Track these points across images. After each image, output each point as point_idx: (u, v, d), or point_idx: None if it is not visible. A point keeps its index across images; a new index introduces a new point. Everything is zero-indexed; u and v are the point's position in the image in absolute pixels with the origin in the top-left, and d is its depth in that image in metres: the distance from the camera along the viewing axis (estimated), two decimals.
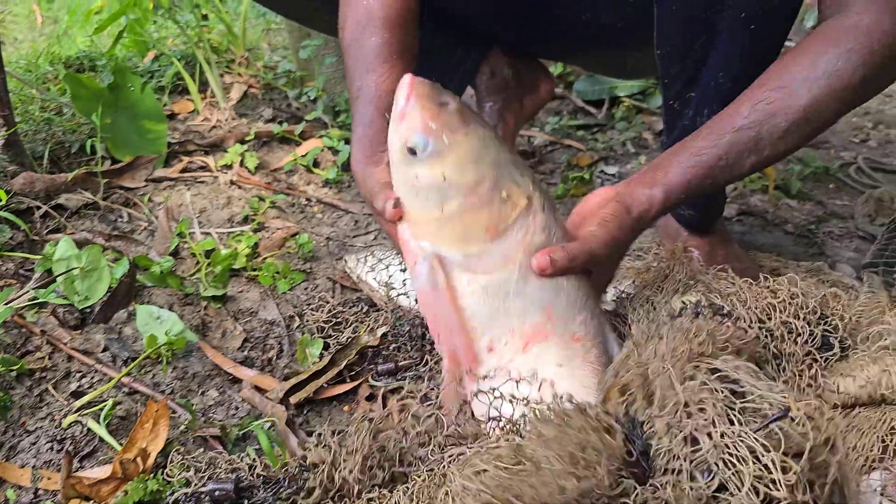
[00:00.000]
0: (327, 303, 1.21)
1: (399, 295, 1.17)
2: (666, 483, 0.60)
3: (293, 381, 1.03)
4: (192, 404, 1.00)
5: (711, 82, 1.12)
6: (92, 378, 1.05)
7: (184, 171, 1.59)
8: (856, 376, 0.84)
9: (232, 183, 1.56)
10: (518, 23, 1.41)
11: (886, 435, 0.80)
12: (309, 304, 1.23)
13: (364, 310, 1.19)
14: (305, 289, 1.28)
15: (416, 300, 1.15)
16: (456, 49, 1.51)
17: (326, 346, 1.12)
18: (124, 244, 1.33)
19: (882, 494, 0.75)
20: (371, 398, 1.04)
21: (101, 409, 0.96)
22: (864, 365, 0.85)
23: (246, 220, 1.45)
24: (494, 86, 1.57)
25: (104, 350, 1.10)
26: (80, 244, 1.23)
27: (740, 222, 1.55)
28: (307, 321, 1.18)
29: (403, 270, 1.18)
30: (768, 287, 0.94)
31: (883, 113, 2.17)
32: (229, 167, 1.62)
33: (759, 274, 1.28)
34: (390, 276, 1.18)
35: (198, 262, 1.30)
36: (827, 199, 1.66)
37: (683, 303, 0.92)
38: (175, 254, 1.33)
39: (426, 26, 1.42)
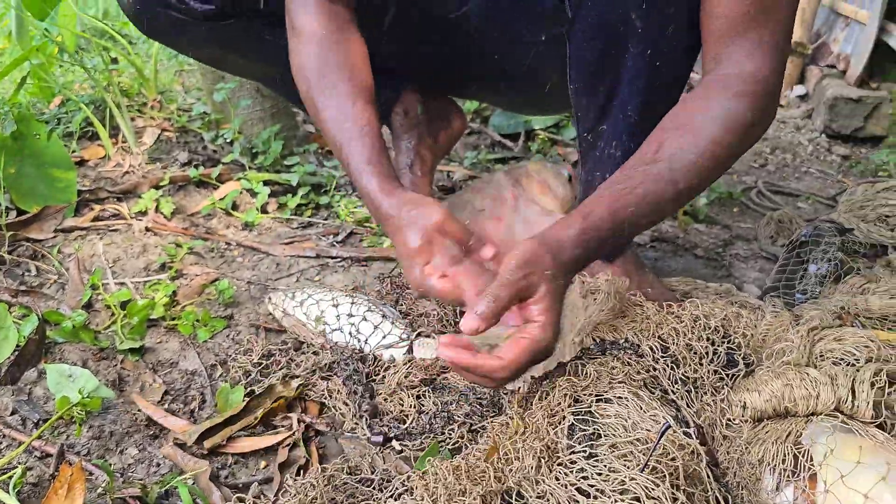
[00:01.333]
0: (251, 348, 1.19)
1: (333, 331, 1.16)
2: None
3: (206, 424, 1.01)
4: (110, 464, 0.96)
5: (620, 115, 1.18)
6: (0, 443, 1.00)
7: (95, 219, 1.55)
8: (761, 391, 0.88)
9: (147, 230, 1.52)
10: (430, 66, 1.44)
11: (794, 446, 0.84)
12: (233, 352, 1.20)
13: (291, 353, 1.18)
14: (227, 336, 1.26)
15: (351, 334, 1.15)
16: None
17: (252, 394, 1.10)
18: (32, 299, 1.28)
19: None
20: (294, 448, 1.02)
21: (11, 477, 0.91)
22: (768, 380, 0.90)
23: (163, 267, 1.41)
24: (408, 124, 1.59)
25: (13, 413, 1.05)
26: None
27: (653, 248, 1.61)
28: (231, 368, 1.16)
29: (335, 305, 1.17)
30: (672, 313, 0.98)
31: (779, 139, 2.31)
32: (144, 214, 1.58)
33: (673, 297, 1.34)
34: (322, 312, 1.17)
35: (113, 314, 1.26)
36: (732, 223, 1.75)
37: (594, 339, 0.95)
38: (88, 306, 1.29)
39: None
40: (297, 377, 1.12)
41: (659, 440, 0.60)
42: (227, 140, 1.87)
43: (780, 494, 0.80)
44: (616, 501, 0.62)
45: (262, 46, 1.29)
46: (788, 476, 0.81)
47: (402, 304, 1.26)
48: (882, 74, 2.33)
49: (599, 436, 0.74)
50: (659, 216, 1.01)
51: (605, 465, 0.67)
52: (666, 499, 0.57)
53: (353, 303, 1.17)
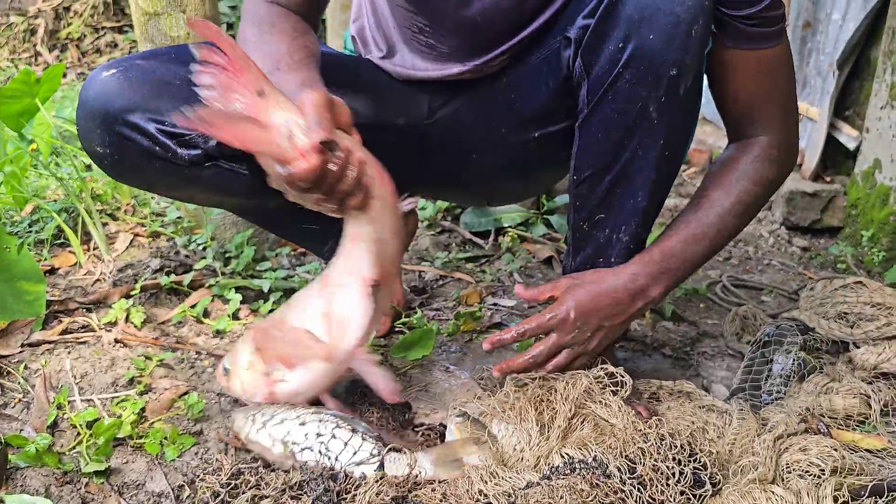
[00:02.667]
0: (220, 467, 1.17)
1: (302, 451, 1.15)
2: None
3: None
4: None
5: (630, 202, 1.24)
6: None
7: (64, 332, 1.54)
8: None
9: (116, 342, 1.52)
10: (396, 172, 1.48)
11: None
12: (201, 471, 1.18)
13: (260, 472, 1.16)
14: (196, 453, 1.24)
15: (321, 452, 1.13)
16: None
17: None
18: None
19: None
20: None
21: None
22: (735, 500, 0.91)
23: (131, 381, 1.40)
24: None
25: None
26: None
27: (622, 349, 1.63)
28: (199, 489, 1.14)
29: (302, 424, 1.16)
30: (639, 430, 0.99)
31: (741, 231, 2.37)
32: (114, 324, 1.58)
33: (641, 399, 1.36)
34: (288, 432, 1.16)
35: (78, 434, 1.24)
36: (699, 319, 1.78)
37: (562, 456, 0.95)
38: (53, 426, 1.27)
39: None
40: (267, 497, 1.11)
41: None
42: (200, 245, 1.89)
43: None
44: None
45: (239, 183, 1.28)
46: None
47: (370, 415, 1.26)
48: (835, 168, 2.43)
49: None
50: (711, 255, 1.31)
51: None
52: None
53: (320, 420, 1.16)
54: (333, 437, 1.15)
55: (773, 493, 0.90)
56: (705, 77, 1.23)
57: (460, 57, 1.33)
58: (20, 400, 1.34)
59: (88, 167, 2.13)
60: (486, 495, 1.01)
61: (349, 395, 1.34)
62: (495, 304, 1.80)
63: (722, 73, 1.23)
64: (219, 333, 1.61)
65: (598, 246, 1.29)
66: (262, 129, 0.98)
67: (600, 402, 1.22)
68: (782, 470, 1.05)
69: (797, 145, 1.34)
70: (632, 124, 1.16)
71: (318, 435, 1.14)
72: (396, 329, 1.63)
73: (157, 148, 1.14)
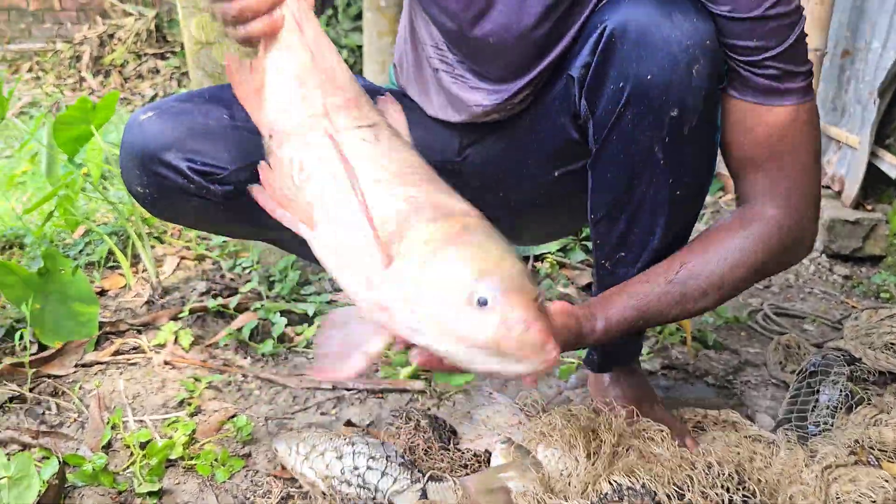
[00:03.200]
0: (270, 490, 1.19)
1: (341, 483, 1.16)
2: None
3: None
4: None
5: (643, 242, 1.23)
6: None
7: (116, 353, 1.58)
8: None
9: (166, 363, 1.55)
10: None
11: None
12: (251, 493, 1.21)
13: (309, 498, 1.18)
14: (245, 476, 1.26)
15: (358, 485, 1.15)
16: None
17: None
18: (52, 440, 1.29)
19: None
20: None
21: None
22: None
23: (181, 403, 1.43)
24: None
25: None
26: (6, 443, 1.19)
27: (665, 377, 1.63)
28: None
29: (339, 458, 1.18)
30: (686, 458, 0.99)
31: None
32: (163, 346, 1.61)
33: (685, 430, 1.35)
34: (327, 466, 1.18)
35: (132, 454, 1.27)
36: (741, 348, 1.77)
37: (611, 483, 0.96)
38: (108, 446, 1.30)
39: None
40: None
41: None
42: (246, 269, 1.93)
43: None
44: None
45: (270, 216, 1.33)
46: None
47: (413, 442, 1.28)
48: (876, 196, 2.41)
49: None
50: (660, 324, 1.24)
51: None
52: None
53: (354, 452, 1.18)
54: (369, 468, 1.16)
55: None
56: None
57: (484, 89, 1.33)
58: (75, 419, 1.38)
59: None
60: None
61: (395, 419, 1.36)
62: None
63: (724, 123, 1.15)
64: (264, 356, 1.64)
65: (618, 283, 1.30)
66: None
67: (644, 435, 1.23)
68: (832, 500, 1.04)
69: (812, 231, 1.18)
70: (639, 165, 1.14)
71: (355, 468, 1.16)
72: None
73: (192, 186, 1.17)
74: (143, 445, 1.27)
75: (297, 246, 1.54)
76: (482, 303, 0.78)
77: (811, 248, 1.21)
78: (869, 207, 2.37)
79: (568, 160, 1.34)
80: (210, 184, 1.19)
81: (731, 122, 1.14)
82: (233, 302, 1.76)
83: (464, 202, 0.92)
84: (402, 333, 0.82)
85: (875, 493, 1.05)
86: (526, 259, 2.20)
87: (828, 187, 2.58)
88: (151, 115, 1.20)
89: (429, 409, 1.45)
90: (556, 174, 1.37)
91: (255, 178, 1.08)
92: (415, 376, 1.55)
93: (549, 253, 2.19)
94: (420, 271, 0.79)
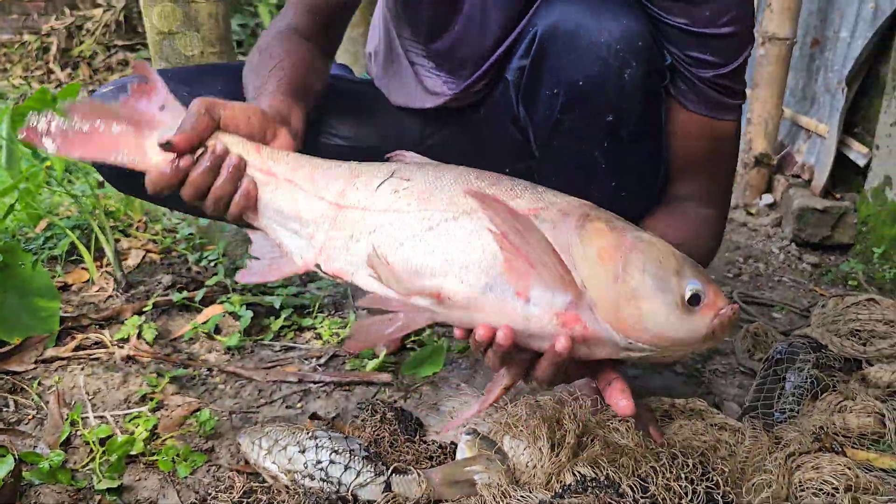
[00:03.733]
0: (232, 485, 1.17)
1: (304, 477, 1.15)
2: None
3: None
4: None
5: None
6: None
7: (77, 348, 1.55)
8: None
9: (129, 358, 1.52)
10: None
11: None
12: (213, 489, 1.18)
13: (273, 492, 1.16)
14: (208, 471, 1.24)
15: (321, 479, 1.14)
16: None
17: None
18: (9, 438, 1.26)
19: None
20: None
21: None
22: None
23: (143, 398, 1.41)
24: None
25: None
26: None
27: (633, 366, 1.63)
28: None
29: (302, 452, 1.16)
30: (651, 448, 0.99)
31: (751, 247, 2.38)
32: (126, 341, 1.58)
33: (652, 418, 1.35)
34: (290, 460, 1.16)
35: (91, 451, 1.24)
36: None
37: (574, 475, 0.95)
38: (67, 443, 1.27)
39: None
40: None
41: None
42: (212, 262, 1.90)
43: None
44: None
45: None
46: None
47: (378, 434, 1.26)
48: (845, 184, 2.43)
49: None
50: None
51: None
52: None
53: (317, 446, 1.16)
54: (332, 462, 1.14)
55: None
56: None
57: (445, 80, 1.33)
58: (34, 416, 1.35)
59: (101, 184, 2.15)
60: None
61: (361, 411, 1.35)
62: None
63: (672, 131, 1.16)
64: (230, 350, 1.62)
65: None
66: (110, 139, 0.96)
67: (609, 426, 1.22)
68: (795, 488, 1.04)
69: (722, 230, 1.25)
70: (581, 170, 1.14)
71: (318, 462, 1.14)
72: (408, 346, 1.63)
73: None
74: (102, 442, 1.25)
75: None
76: (695, 301, 0.78)
77: (717, 247, 1.25)
78: (837, 196, 2.38)
79: (514, 159, 1.33)
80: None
81: (679, 131, 1.15)
82: (198, 295, 1.73)
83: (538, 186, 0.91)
84: (605, 354, 0.80)
85: (837, 480, 1.06)
86: None
87: (798, 176, 2.60)
88: (112, 88, 1.21)
89: (395, 401, 1.44)
90: (506, 171, 1.37)
91: None
92: (381, 369, 1.54)
93: None
94: (617, 295, 0.77)
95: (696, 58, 1.08)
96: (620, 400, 0.83)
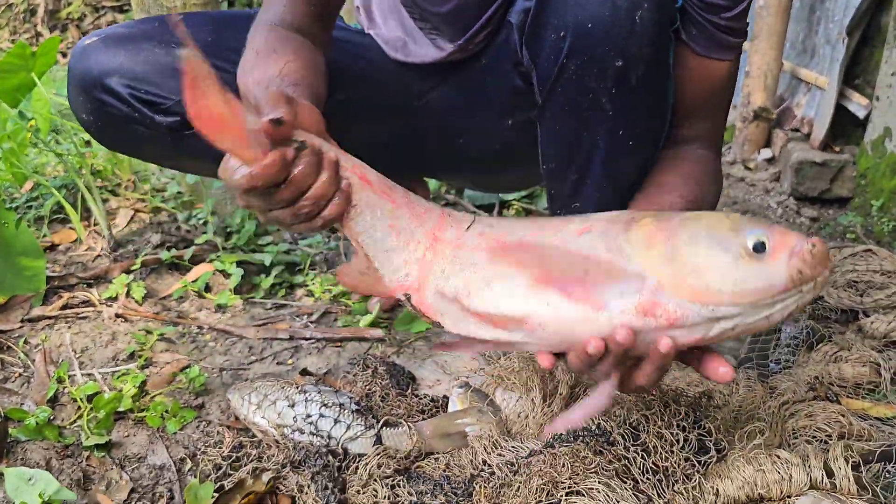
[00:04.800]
0: (222, 440, 1.16)
1: (294, 431, 1.14)
2: None
3: None
4: None
5: (595, 193, 1.19)
6: None
7: (64, 307, 1.53)
8: (733, 478, 0.88)
9: (117, 316, 1.51)
10: (395, 150, 1.47)
11: None
12: (202, 444, 1.18)
13: (262, 446, 1.16)
14: (197, 427, 1.23)
15: (311, 433, 1.13)
16: None
17: (221, 489, 1.07)
18: None
19: None
20: None
21: None
22: (740, 466, 0.89)
23: (132, 356, 1.39)
24: None
25: None
26: None
27: None
28: (201, 462, 1.13)
29: (291, 406, 1.15)
30: (643, 397, 0.98)
31: (749, 201, 2.35)
32: (114, 299, 1.57)
33: None
34: (280, 414, 1.15)
35: (79, 408, 1.23)
36: None
37: None
38: (53, 400, 1.26)
39: None
40: (268, 471, 1.10)
41: None
42: (201, 220, 1.87)
43: None
44: None
45: None
46: None
47: (370, 389, 1.25)
48: (844, 137, 2.39)
49: None
50: None
51: None
52: None
53: (307, 400, 1.15)
54: (322, 416, 1.13)
55: (778, 457, 0.89)
56: None
57: (449, 35, 1.30)
58: (20, 374, 1.34)
59: (88, 143, 2.11)
60: (489, 465, 1.00)
61: (352, 366, 1.33)
62: None
63: (677, 72, 1.13)
64: (220, 308, 1.60)
65: None
66: (232, 110, 0.79)
67: None
68: (788, 435, 1.03)
69: (721, 172, 1.22)
70: (586, 117, 1.09)
71: (307, 416, 1.13)
72: (400, 303, 1.61)
73: (136, 114, 1.14)
74: (90, 399, 1.23)
75: None
76: (760, 248, 0.73)
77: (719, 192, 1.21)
78: (837, 149, 2.35)
79: (517, 109, 1.29)
80: (154, 114, 1.16)
81: (687, 75, 1.12)
82: (187, 254, 1.71)
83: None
84: (700, 332, 0.76)
85: (831, 428, 1.04)
86: (492, 207, 2.16)
87: (797, 130, 2.56)
88: (96, 40, 1.17)
89: (388, 356, 1.43)
90: (509, 123, 1.33)
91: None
92: (374, 324, 1.52)
93: (515, 200, 2.15)
94: (676, 269, 0.74)
95: (708, 1, 1.06)
96: (720, 368, 0.81)
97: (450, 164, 1.50)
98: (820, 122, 2.39)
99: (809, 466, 0.88)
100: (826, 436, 1.03)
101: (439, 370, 1.37)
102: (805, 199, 2.30)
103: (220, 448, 1.15)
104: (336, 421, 1.14)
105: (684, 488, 0.88)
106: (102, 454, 1.15)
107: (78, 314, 1.51)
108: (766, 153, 2.62)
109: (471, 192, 2.19)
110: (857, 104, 2.29)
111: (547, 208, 2.16)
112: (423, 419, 1.18)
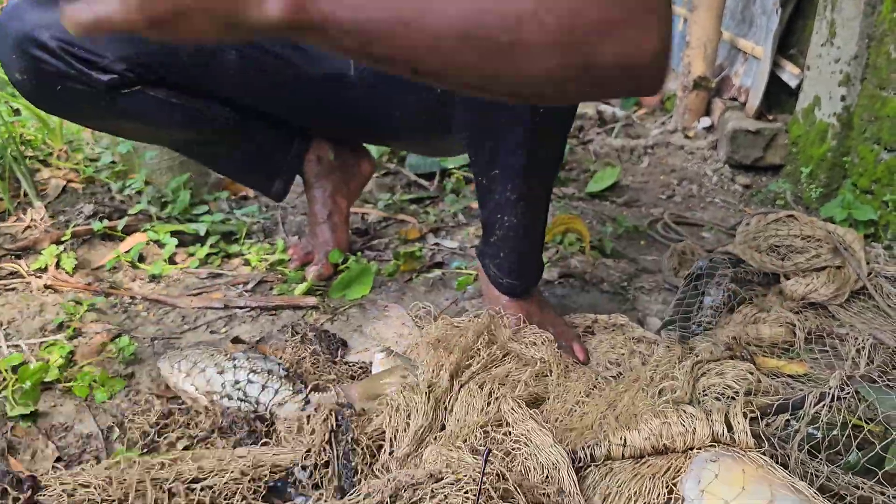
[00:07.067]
0: (150, 408, 1.17)
1: (222, 398, 1.14)
2: None
3: None
4: None
5: (510, 161, 1.21)
6: None
7: None
8: (640, 429, 0.91)
9: (46, 287, 1.49)
10: (332, 120, 1.47)
11: (670, 481, 0.87)
12: (131, 412, 1.18)
13: (191, 413, 1.16)
14: (127, 396, 1.23)
15: (239, 399, 1.14)
16: (281, 143, 1.55)
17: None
18: None
19: None
20: None
21: None
22: (648, 419, 0.93)
23: (61, 326, 1.38)
24: (322, 171, 1.61)
25: None
26: None
27: (562, 285, 1.65)
28: (128, 429, 1.13)
29: (220, 373, 1.16)
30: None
31: (686, 169, 2.40)
32: (44, 270, 1.54)
33: (574, 335, 1.38)
34: (208, 381, 1.15)
35: (4, 379, 1.22)
36: (639, 256, 1.80)
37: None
38: None
39: (250, 124, 1.46)
40: (196, 438, 1.11)
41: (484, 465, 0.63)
42: (135, 190, 1.85)
43: None
44: None
45: (169, 112, 1.28)
46: None
47: (300, 355, 1.26)
48: (778, 106, 2.45)
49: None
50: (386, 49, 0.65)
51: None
52: None
53: (235, 367, 1.16)
54: (249, 381, 1.15)
55: (684, 411, 0.93)
56: None
57: None
58: None
59: (17, 111, 2.06)
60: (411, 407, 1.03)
61: (282, 333, 1.34)
62: (437, 244, 1.79)
63: None
64: (154, 278, 1.59)
65: (495, 204, 1.28)
66: None
67: (526, 340, 1.24)
68: (699, 393, 1.08)
69: (652, 41, 0.66)
70: None
71: (236, 382, 1.14)
72: (340, 272, 1.62)
73: (72, 71, 1.12)
74: (15, 370, 1.22)
75: (194, 149, 1.49)
76: None
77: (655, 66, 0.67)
78: (771, 118, 2.41)
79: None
80: (91, 71, 1.14)
81: None
82: (120, 224, 1.69)
83: None
84: None
85: (739, 384, 1.09)
86: (433, 176, 2.17)
87: (735, 99, 2.61)
88: None
89: (322, 324, 1.44)
90: (437, 92, 1.34)
91: (141, 72, 0.99)
92: (309, 292, 1.53)
93: (455, 168, 2.16)
94: None
95: None
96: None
97: (387, 132, 1.51)
98: (755, 90, 2.44)
99: (712, 421, 0.92)
100: (734, 392, 1.08)
101: (370, 338, 1.39)
102: (740, 166, 2.35)
103: (148, 416, 1.15)
104: (264, 387, 1.15)
105: (595, 437, 0.91)
106: (28, 424, 1.15)
107: (6, 286, 1.49)
108: (706, 122, 2.67)
109: (413, 161, 2.20)
110: (790, 73, 2.34)
111: None
112: (348, 384, 1.20)
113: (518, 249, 1.31)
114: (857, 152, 1.95)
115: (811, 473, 0.93)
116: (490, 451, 0.77)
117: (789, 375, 1.28)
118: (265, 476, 0.99)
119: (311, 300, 1.50)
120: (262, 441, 1.08)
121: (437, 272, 1.65)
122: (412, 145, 1.67)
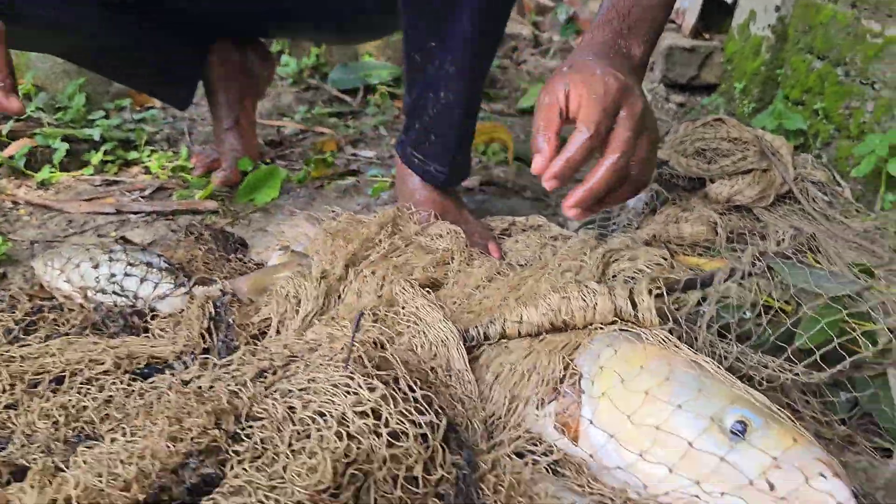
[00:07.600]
0: (16, 304, 1.06)
1: (97, 293, 1.05)
2: None
3: None
4: None
5: (457, 30, 1.11)
6: None
7: None
8: (538, 305, 0.85)
9: None
10: (240, 12, 1.36)
11: (568, 356, 0.81)
12: None
13: (64, 310, 1.06)
14: None
15: (115, 293, 1.04)
16: (180, 45, 1.43)
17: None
18: None
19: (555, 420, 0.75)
20: None
21: None
22: (546, 294, 0.86)
23: None
24: (226, 73, 1.50)
25: None
26: None
27: (483, 192, 1.58)
28: None
29: (95, 267, 1.06)
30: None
31: None
32: None
33: (490, 235, 1.31)
34: (83, 277, 1.05)
35: None
36: None
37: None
38: None
39: (146, 28, 1.33)
40: (67, 335, 1.01)
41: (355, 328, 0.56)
42: (24, 94, 1.70)
43: (543, 409, 0.77)
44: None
45: (61, 15, 1.16)
46: (556, 386, 0.78)
47: (192, 254, 1.17)
48: (716, 27, 2.39)
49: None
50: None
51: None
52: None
53: (111, 260, 1.06)
54: (127, 275, 1.05)
55: (586, 286, 0.86)
56: None
57: None
58: None
59: None
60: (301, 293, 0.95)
61: (177, 234, 1.24)
62: (354, 154, 1.70)
63: None
64: (43, 185, 1.47)
65: (427, 79, 1.19)
66: None
67: (432, 233, 1.17)
68: (608, 278, 1.02)
69: None
70: None
71: (111, 276, 1.04)
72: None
73: None
74: None
75: (93, 58, 1.37)
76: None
77: None
78: (707, 37, 2.35)
79: None
80: None
81: None
82: (5, 128, 1.55)
83: None
84: None
85: (651, 269, 1.04)
86: (356, 91, 2.07)
87: (673, 21, 2.55)
88: None
89: (221, 227, 1.34)
90: None
91: None
92: (211, 197, 1.43)
93: (380, 83, 2.06)
94: None
95: None
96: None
97: (301, 13, 1.40)
98: (691, 10, 2.37)
99: (615, 295, 0.86)
100: (646, 277, 1.02)
101: (273, 239, 1.30)
102: (675, 85, 2.30)
103: (14, 313, 1.05)
104: (143, 280, 1.05)
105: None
106: None
107: None
108: None
109: (335, 76, 2.08)
110: None
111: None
112: (237, 277, 1.11)
113: (452, 130, 1.21)
114: (790, 64, 1.90)
115: (720, 354, 0.88)
116: (362, 314, 0.70)
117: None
118: (141, 368, 0.90)
119: (212, 204, 1.40)
120: (141, 336, 1.00)
121: (351, 179, 1.56)
122: (322, 28, 1.53)
